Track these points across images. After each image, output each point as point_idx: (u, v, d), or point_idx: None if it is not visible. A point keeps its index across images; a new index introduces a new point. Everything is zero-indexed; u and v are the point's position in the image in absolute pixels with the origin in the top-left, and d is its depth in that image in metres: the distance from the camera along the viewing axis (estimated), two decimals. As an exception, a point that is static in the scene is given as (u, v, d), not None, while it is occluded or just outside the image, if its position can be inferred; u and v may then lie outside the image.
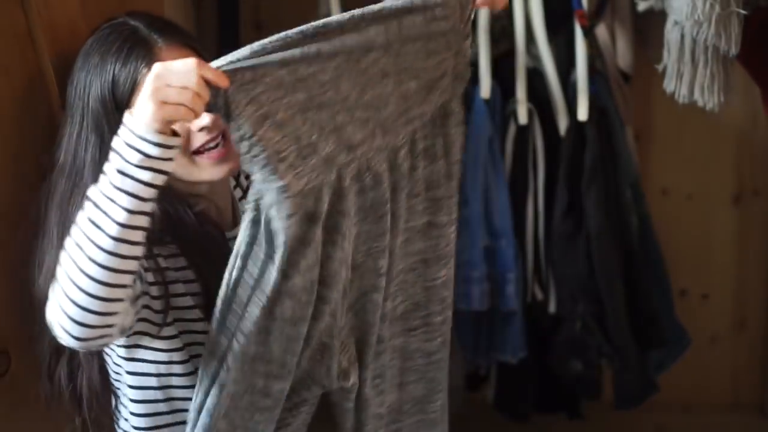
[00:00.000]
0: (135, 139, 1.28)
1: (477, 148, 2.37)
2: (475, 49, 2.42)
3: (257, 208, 1.38)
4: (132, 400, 1.55)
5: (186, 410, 1.49)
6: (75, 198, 1.48)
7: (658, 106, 2.73)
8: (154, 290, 1.47)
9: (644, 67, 2.47)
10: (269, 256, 1.38)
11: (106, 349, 1.54)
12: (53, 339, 1.36)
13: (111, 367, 1.57)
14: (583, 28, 2.33)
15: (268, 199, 1.37)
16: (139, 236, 1.30)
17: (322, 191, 1.41)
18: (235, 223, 1.59)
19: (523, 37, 2.38)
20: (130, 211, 1.28)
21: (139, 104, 1.28)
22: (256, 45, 1.34)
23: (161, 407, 1.55)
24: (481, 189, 2.36)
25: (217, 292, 1.45)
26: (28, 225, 1.54)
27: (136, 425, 1.56)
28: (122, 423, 1.59)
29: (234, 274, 1.40)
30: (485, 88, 2.38)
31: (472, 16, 1.50)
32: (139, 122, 1.28)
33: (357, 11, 1.41)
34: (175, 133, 1.31)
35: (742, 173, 2.82)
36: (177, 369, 1.53)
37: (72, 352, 1.56)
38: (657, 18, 2.24)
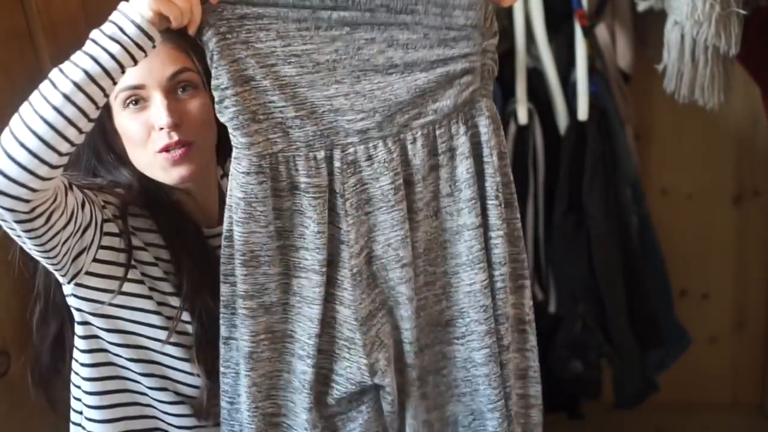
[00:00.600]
0: (120, 16, 1.34)
1: (477, 148, 2.37)
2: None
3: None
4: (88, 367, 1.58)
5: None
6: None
7: (658, 106, 2.73)
8: (117, 242, 1.52)
9: (644, 67, 2.47)
10: (229, 209, 1.44)
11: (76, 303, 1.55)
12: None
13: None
14: (583, 28, 2.33)
15: (235, 152, 1.43)
16: (87, 106, 1.32)
17: (298, 164, 1.44)
18: (220, 221, 1.61)
19: (523, 37, 2.38)
20: (87, 75, 1.31)
21: None
22: None
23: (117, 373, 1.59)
24: (481, 189, 2.36)
25: (191, 275, 1.53)
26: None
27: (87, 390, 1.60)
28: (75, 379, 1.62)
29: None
30: (485, 88, 2.38)
31: (493, 14, 1.48)
32: (130, 6, 1.34)
33: None
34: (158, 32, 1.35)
35: (742, 173, 2.82)
36: (156, 333, 1.57)
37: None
38: (657, 18, 2.25)
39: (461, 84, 1.48)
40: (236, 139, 1.42)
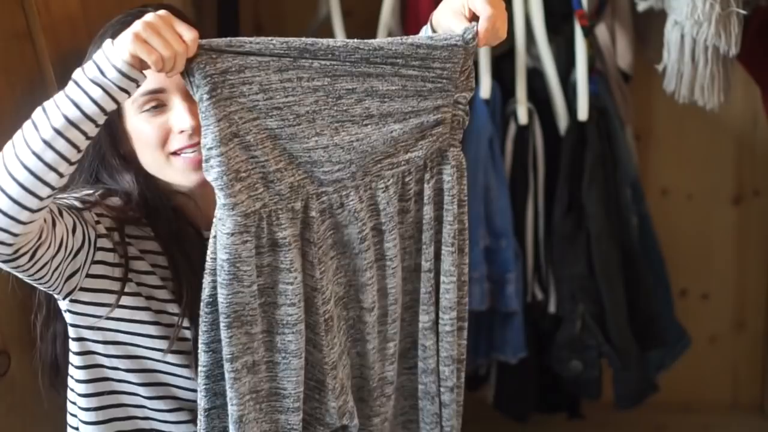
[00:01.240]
0: (102, 57, 1.31)
1: (477, 148, 2.36)
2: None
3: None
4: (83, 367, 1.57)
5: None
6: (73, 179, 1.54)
7: (658, 106, 2.73)
8: (111, 257, 1.51)
9: (644, 67, 2.47)
10: (212, 273, 1.41)
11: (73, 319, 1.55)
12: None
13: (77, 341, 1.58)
14: (583, 28, 2.33)
15: (218, 213, 1.41)
16: (68, 151, 1.31)
17: (280, 217, 1.43)
18: None
19: (523, 37, 2.38)
20: (68, 120, 1.30)
21: (122, 35, 1.31)
22: (235, 39, 1.37)
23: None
24: (481, 189, 2.36)
25: (190, 280, 1.51)
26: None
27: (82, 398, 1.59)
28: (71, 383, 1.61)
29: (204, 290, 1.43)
30: (485, 88, 2.38)
31: (472, 69, 1.49)
32: (113, 47, 1.31)
33: (354, 41, 1.41)
34: (142, 72, 1.33)
35: (742, 173, 2.82)
36: (155, 342, 1.56)
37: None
38: (657, 18, 2.25)
39: (433, 135, 1.50)
40: (221, 200, 1.39)
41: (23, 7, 1.60)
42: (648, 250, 2.50)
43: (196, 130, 1.48)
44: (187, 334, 1.57)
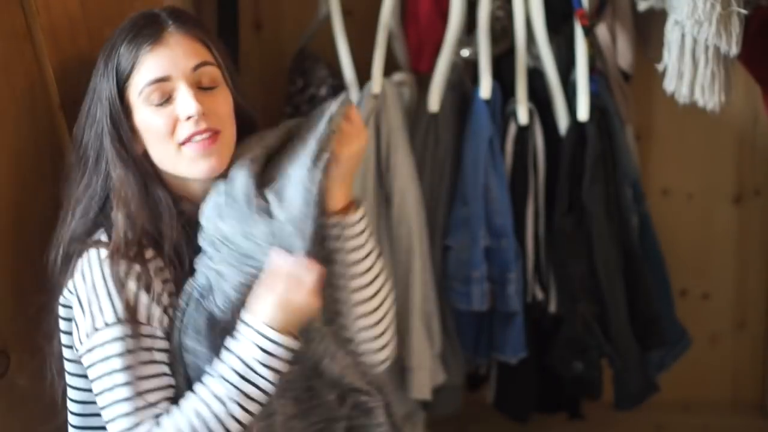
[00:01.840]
0: (260, 339, 1.45)
1: (477, 148, 2.36)
2: (476, 49, 2.42)
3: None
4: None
5: None
6: (90, 180, 1.53)
7: (658, 106, 2.73)
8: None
9: (644, 67, 2.47)
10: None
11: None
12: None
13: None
14: (583, 27, 2.33)
15: (201, 280, 1.50)
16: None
17: None
18: None
19: (524, 37, 2.38)
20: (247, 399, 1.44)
21: (269, 304, 1.46)
22: None
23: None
24: (481, 189, 2.36)
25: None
26: (34, 223, 1.55)
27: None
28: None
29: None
30: (485, 88, 2.38)
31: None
32: (262, 324, 1.45)
33: None
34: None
35: (742, 173, 2.81)
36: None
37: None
38: (657, 18, 2.24)
39: None
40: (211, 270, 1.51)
41: (23, 7, 1.60)
42: (648, 250, 2.50)
43: (203, 116, 1.49)
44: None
